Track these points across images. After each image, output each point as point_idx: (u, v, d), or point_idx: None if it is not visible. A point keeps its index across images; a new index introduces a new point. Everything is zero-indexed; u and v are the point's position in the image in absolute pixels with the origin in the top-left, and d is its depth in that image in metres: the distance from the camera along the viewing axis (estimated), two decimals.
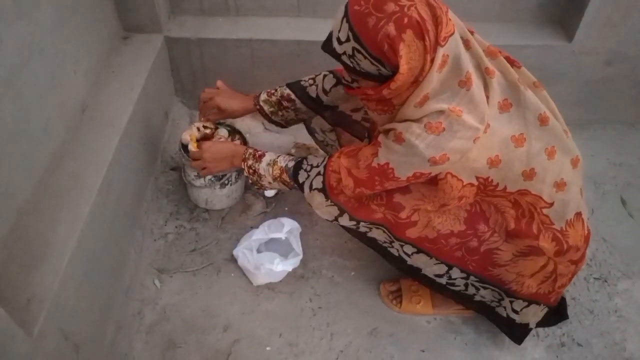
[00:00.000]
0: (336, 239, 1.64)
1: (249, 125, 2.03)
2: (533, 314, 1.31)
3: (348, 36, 0.96)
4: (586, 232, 1.19)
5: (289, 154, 1.86)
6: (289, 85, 1.46)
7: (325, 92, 1.42)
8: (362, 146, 1.16)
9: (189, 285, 1.50)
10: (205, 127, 1.57)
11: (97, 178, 1.27)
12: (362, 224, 1.23)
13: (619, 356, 1.42)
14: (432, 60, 0.95)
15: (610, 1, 1.66)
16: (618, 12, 1.69)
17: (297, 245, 1.50)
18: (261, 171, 1.32)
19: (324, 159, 1.23)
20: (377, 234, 1.26)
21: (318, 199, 1.23)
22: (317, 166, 1.23)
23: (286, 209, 1.73)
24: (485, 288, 1.30)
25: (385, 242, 1.28)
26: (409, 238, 1.21)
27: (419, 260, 1.27)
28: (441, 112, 0.98)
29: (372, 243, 1.31)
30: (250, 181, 1.38)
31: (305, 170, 1.26)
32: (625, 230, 1.73)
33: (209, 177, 1.55)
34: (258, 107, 1.48)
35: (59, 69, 1.29)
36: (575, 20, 1.73)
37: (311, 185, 1.24)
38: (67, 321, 1.11)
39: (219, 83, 1.51)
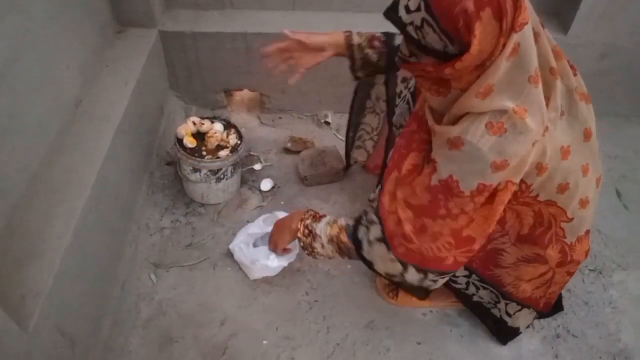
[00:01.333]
0: None
1: (245, 120, 2.03)
2: (523, 318, 1.33)
3: (419, 5, 0.86)
4: (587, 247, 1.19)
5: (285, 148, 1.88)
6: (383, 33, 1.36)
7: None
8: (411, 174, 1.08)
9: (185, 280, 1.50)
10: (201, 122, 1.57)
11: (91, 173, 1.26)
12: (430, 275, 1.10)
13: (613, 347, 1.43)
14: (504, 46, 0.87)
15: None
16: (614, 4, 1.69)
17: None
18: (317, 231, 1.23)
19: (377, 206, 1.13)
20: None
21: (379, 251, 1.11)
22: (374, 220, 1.12)
23: (282, 203, 1.73)
24: (484, 288, 1.30)
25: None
26: None
27: None
28: (504, 111, 0.91)
29: None
30: (301, 244, 1.28)
31: (364, 225, 1.15)
32: (620, 222, 1.74)
33: (204, 171, 1.55)
34: (347, 34, 1.35)
35: (52, 62, 1.29)
36: (571, 13, 1.73)
37: (369, 238, 1.12)
38: (63, 316, 1.11)
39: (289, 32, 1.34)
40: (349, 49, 1.36)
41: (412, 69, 1.01)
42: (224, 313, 1.44)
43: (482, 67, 0.90)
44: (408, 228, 1.04)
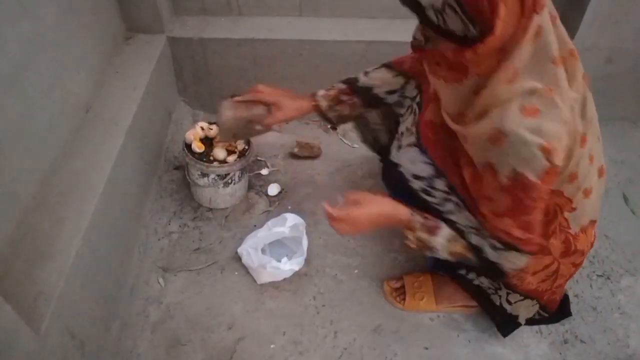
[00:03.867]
0: (339, 237, 1.64)
1: None
2: (525, 308, 1.31)
3: None
4: (593, 238, 1.19)
5: (292, 153, 1.89)
6: (344, 81, 1.42)
7: (366, 74, 1.39)
8: (476, 183, 1.05)
9: (193, 284, 1.51)
10: (209, 127, 1.58)
11: (101, 177, 1.28)
12: None
13: (622, 352, 1.42)
14: (525, 28, 0.86)
15: None
16: (619, 8, 1.69)
17: (304, 241, 1.50)
18: (435, 244, 1.14)
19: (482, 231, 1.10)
20: None
21: (511, 257, 1.08)
22: (494, 246, 1.09)
23: (289, 207, 1.73)
24: (486, 276, 1.30)
25: None
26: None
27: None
28: (533, 92, 0.90)
29: None
30: (413, 246, 1.18)
31: (491, 247, 1.10)
32: (627, 227, 1.74)
33: (212, 175, 1.56)
34: (314, 103, 1.40)
35: (62, 67, 1.30)
36: (577, 18, 1.74)
37: (505, 257, 1.09)
38: (73, 319, 1.12)
39: (261, 86, 1.40)
40: (320, 115, 1.43)
41: (428, 55, 0.99)
42: (232, 317, 1.44)
43: (504, 50, 0.88)
44: (518, 232, 1.02)
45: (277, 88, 1.41)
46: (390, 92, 1.39)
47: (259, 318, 1.44)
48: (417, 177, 1.22)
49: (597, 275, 1.59)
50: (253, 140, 1.63)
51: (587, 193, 1.09)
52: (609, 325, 1.48)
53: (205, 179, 1.57)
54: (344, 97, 1.41)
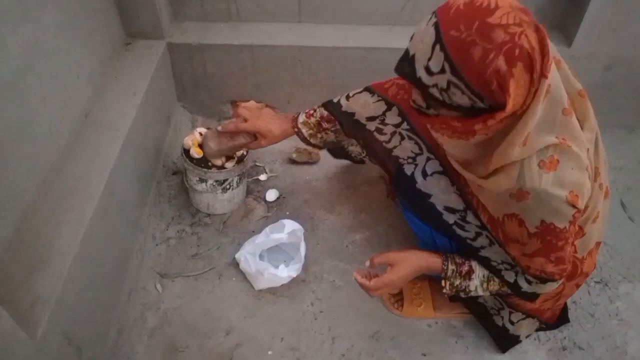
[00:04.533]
0: (337, 243, 1.64)
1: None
2: (526, 327, 1.32)
3: (443, 67, 0.81)
4: (595, 259, 1.19)
5: (290, 158, 1.89)
6: (324, 106, 1.41)
7: (347, 97, 1.37)
8: (494, 221, 1.05)
9: (191, 290, 1.51)
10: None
11: (100, 182, 1.28)
12: None
13: (620, 359, 1.42)
14: (536, 93, 0.82)
15: (609, 6, 1.68)
16: (617, 16, 1.70)
17: (302, 247, 1.50)
18: (472, 288, 1.14)
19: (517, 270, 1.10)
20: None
21: (548, 288, 1.10)
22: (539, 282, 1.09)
23: (287, 213, 1.73)
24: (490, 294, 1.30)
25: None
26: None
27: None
28: (548, 147, 0.89)
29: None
30: (450, 293, 1.18)
31: (526, 281, 1.10)
32: (625, 233, 1.74)
33: (210, 181, 1.56)
34: (296, 130, 1.42)
35: (62, 73, 1.30)
36: (575, 25, 1.75)
37: (541, 290, 1.11)
38: (70, 324, 1.11)
39: (252, 102, 1.46)
40: (304, 141, 1.45)
41: (432, 122, 0.96)
42: (229, 323, 1.44)
43: (514, 115, 0.85)
44: (552, 268, 1.02)
45: (259, 109, 1.45)
46: (371, 119, 1.32)
47: (256, 324, 1.44)
48: (449, 209, 1.15)
49: (595, 282, 1.59)
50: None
51: (595, 219, 1.09)
52: (607, 332, 1.48)
53: (204, 184, 1.57)
54: (326, 125, 1.40)
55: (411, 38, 0.88)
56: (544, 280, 1.06)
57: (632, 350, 1.44)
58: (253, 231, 1.65)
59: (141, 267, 1.53)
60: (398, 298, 1.48)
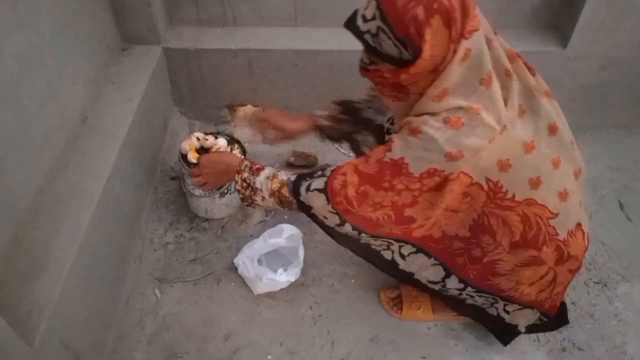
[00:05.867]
0: (336, 246, 1.62)
1: (247, 134, 2.04)
2: (523, 317, 1.31)
3: (374, 14, 0.94)
4: (586, 242, 1.18)
5: (288, 162, 1.89)
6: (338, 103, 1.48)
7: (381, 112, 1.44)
8: None
9: (190, 295, 1.50)
10: (205, 137, 1.58)
11: (97, 188, 1.27)
12: (363, 235, 1.18)
13: None
14: (455, 51, 0.94)
15: (604, 6, 1.68)
16: (612, 17, 1.71)
17: (300, 251, 1.50)
18: (257, 185, 1.24)
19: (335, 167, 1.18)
20: (373, 240, 1.22)
21: (318, 202, 1.15)
22: (323, 174, 1.17)
23: (286, 217, 1.73)
24: (480, 296, 1.30)
25: (381, 244, 1.23)
26: (414, 238, 1.17)
27: (414, 263, 1.24)
28: (460, 107, 0.98)
29: (364, 247, 1.25)
30: (240, 196, 1.28)
31: (306, 180, 1.19)
32: (623, 233, 1.74)
33: None
34: (314, 121, 1.47)
35: (58, 79, 1.30)
36: (570, 26, 1.75)
37: (309, 186, 1.17)
38: (68, 331, 1.11)
39: (249, 107, 1.54)
40: (322, 133, 1.50)
41: (371, 75, 1.07)
42: (228, 328, 1.43)
43: (436, 72, 0.97)
44: (351, 192, 1.10)
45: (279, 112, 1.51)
46: (380, 113, 1.42)
47: (255, 328, 1.44)
48: (431, 282, 1.29)
49: (594, 283, 1.59)
50: (248, 150, 1.63)
51: (563, 196, 1.10)
52: (607, 332, 1.48)
53: (201, 189, 1.57)
54: (342, 117, 1.46)
55: None
56: (324, 179, 1.15)
57: (631, 351, 1.44)
58: (251, 236, 1.64)
59: (139, 273, 1.53)
60: (397, 301, 1.48)
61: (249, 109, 2.07)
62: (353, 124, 1.48)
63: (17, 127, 1.11)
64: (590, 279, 1.60)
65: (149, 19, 1.72)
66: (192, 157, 1.55)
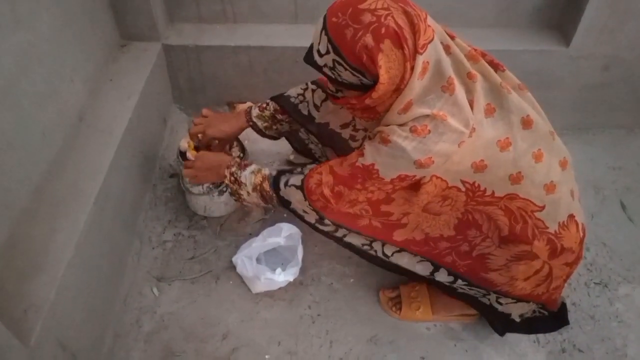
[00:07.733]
0: (335, 245, 1.62)
1: (247, 132, 2.03)
2: (518, 308, 1.31)
3: (328, 48, 0.97)
4: (581, 234, 1.17)
5: (288, 160, 1.88)
6: (276, 101, 1.47)
7: (316, 107, 1.42)
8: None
9: (188, 293, 1.50)
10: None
11: (94, 186, 1.27)
12: (340, 230, 1.25)
13: None
14: (412, 68, 0.95)
15: (607, 6, 1.67)
16: (615, 17, 1.69)
17: (299, 250, 1.49)
18: (242, 179, 1.30)
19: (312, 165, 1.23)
20: (355, 239, 1.27)
21: (296, 197, 1.21)
22: (301, 171, 1.22)
23: (285, 215, 1.72)
24: (471, 289, 1.30)
25: (364, 244, 1.27)
26: (395, 241, 1.21)
27: (401, 260, 1.28)
28: (426, 116, 0.98)
29: (347, 246, 1.31)
30: (229, 191, 1.35)
31: (286, 175, 1.24)
32: (625, 234, 1.73)
33: (207, 184, 1.55)
34: (251, 123, 1.49)
35: (56, 77, 1.29)
36: (573, 25, 1.74)
37: (287, 181, 1.22)
38: (65, 331, 1.10)
39: (205, 111, 1.52)
40: (259, 133, 1.53)
41: (340, 102, 1.11)
42: (226, 327, 1.43)
43: (398, 90, 0.99)
44: (326, 191, 1.14)
45: (216, 113, 1.54)
46: (344, 126, 1.40)
47: (253, 328, 1.43)
48: (419, 277, 1.33)
49: (595, 283, 1.59)
50: (248, 147, 1.62)
51: (550, 188, 1.10)
52: (607, 334, 1.47)
53: (200, 187, 1.56)
54: (280, 116, 1.48)
55: None
56: (301, 177, 1.19)
57: (632, 353, 1.43)
58: (250, 234, 1.64)
59: (137, 272, 1.52)
60: (396, 301, 1.47)
61: (248, 106, 2.06)
62: (290, 123, 1.50)
63: (15, 125, 1.11)
64: (591, 280, 1.59)
65: (149, 15, 1.70)
66: (191, 154, 1.54)
